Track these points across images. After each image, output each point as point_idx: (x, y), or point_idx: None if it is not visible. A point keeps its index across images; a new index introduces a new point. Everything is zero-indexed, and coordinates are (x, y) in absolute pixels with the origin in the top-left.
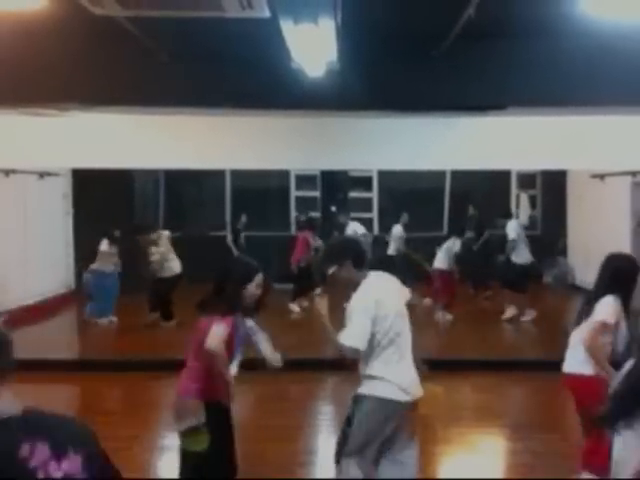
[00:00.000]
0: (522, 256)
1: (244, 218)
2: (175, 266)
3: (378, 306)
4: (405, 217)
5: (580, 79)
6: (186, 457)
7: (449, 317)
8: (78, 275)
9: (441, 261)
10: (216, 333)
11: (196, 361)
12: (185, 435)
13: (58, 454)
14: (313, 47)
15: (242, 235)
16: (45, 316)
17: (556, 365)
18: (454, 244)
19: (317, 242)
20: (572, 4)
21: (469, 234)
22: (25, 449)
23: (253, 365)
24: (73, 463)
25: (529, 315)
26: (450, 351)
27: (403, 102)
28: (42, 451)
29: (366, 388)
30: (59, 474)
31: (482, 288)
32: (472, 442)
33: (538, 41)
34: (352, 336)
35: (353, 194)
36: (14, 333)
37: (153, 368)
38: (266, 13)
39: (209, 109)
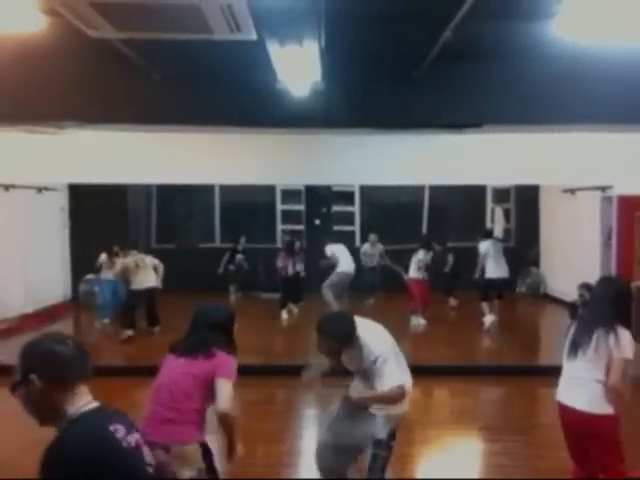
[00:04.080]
0: (490, 271)
1: (243, 239)
2: (143, 280)
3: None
4: (373, 237)
5: (551, 99)
6: None
7: (423, 322)
8: (74, 285)
9: (412, 271)
10: (227, 393)
11: (193, 402)
12: None
13: (129, 431)
14: (298, 68)
15: (238, 256)
16: (44, 324)
17: (530, 370)
18: (422, 255)
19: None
20: (544, 28)
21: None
22: (113, 427)
23: (241, 370)
24: (138, 437)
25: (487, 321)
26: (428, 357)
27: (384, 120)
28: (121, 429)
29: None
30: (134, 443)
31: (451, 296)
32: (450, 444)
33: (512, 63)
34: (398, 377)
35: (336, 208)
36: (15, 340)
37: (150, 373)
38: (253, 36)
39: (199, 127)
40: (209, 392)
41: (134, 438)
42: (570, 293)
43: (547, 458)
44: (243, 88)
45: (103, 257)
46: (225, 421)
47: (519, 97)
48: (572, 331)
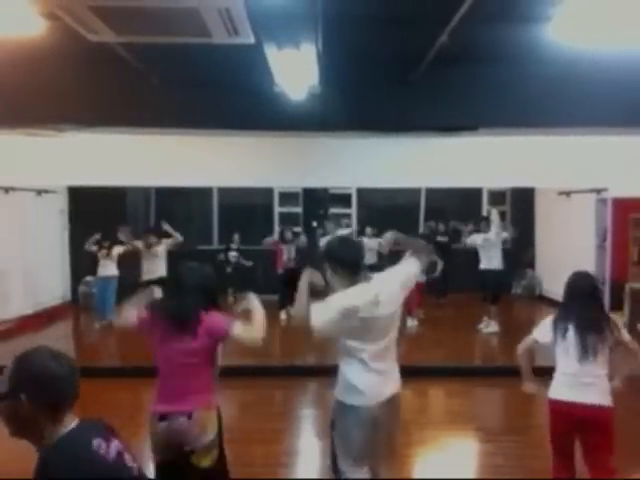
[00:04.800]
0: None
1: (237, 237)
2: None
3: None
4: (370, 230)
5: (547, 102)
6: (196, 475)
7: (414, 323)
8: (74, 287)
9: None
10: (234, 322)
11: (207, 367)
12: (200, 451)
13: (109, 441)
14: (295, 71)
15: (232, 254)
16: (43, 325)
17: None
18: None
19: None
20: (539, 32)
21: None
22: (96, 443)
23: (240, 372)
24: (117, 444)
25: (491, 327)
26: (423, 358)
27: (381, 123)
28: (102, 443)
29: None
30: (115, 453)
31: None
32: (445, 444)
33: (508, 66)
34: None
35: (333, 210)
36: (15, 341)
37: (147, 374)
38: (251, 39)
39: (197, 130)
40: (213, 357)
41: (115, 447)
42: None
43: (542, 458)
44: (241, 92)
45: (95, 249)
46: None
47: (514, 100)
48: (575, 332)
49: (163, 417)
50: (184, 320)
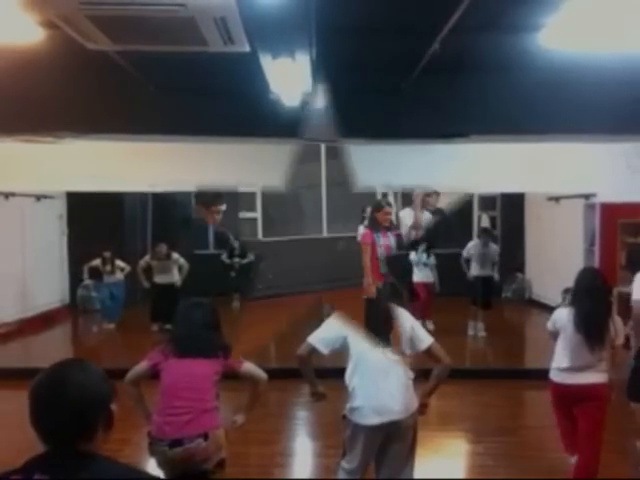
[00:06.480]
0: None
1: (237, 244)
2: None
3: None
4: None
5: (537, 109)
6: None
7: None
8: (72, 290)
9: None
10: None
11: (214, 392)
12: (216, 468)
13: None
14: (290, 80)
15: (235, 260)
16: (43, 328)
17: (514, 374)
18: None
19: None
20: (530, 40)
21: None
22: None
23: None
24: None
25: (480, 330)
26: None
27: (372, 131)
28: None
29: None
30: None
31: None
32: (437, 445)
33: (499, 74)
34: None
35: None
36: (15, 343)
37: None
38: (246, 48)
39: (194, 137)
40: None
41: None
42: (554, 298)
43: (533, 458)
44: (236, 99)
45: (97, 262)
46: (263, 387)
47: (505, 108)
48: (581, 323)
49: (175, 443)
50: (204, 345)
